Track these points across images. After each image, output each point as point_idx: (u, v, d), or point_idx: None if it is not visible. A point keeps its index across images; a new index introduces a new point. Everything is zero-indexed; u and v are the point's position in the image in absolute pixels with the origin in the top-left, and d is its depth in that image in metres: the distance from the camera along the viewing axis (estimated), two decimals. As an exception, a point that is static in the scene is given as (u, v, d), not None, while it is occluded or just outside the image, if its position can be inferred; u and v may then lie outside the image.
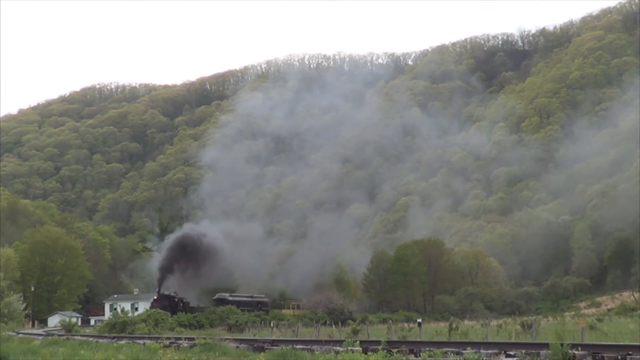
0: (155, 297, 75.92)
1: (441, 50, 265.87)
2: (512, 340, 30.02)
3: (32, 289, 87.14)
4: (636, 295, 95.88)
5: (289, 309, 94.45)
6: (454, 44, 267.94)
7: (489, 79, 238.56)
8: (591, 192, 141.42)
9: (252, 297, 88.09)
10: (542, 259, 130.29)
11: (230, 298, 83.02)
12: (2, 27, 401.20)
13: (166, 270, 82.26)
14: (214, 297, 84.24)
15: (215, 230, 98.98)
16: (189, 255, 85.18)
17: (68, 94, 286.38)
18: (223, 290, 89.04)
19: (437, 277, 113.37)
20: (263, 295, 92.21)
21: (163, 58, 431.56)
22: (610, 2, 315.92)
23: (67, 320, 62.66)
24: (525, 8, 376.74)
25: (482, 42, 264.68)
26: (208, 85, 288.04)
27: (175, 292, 78.48)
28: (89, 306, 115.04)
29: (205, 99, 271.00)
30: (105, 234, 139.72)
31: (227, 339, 28.49)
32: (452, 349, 18.84)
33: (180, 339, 31.30)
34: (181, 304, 74.65)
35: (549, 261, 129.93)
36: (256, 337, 37.47)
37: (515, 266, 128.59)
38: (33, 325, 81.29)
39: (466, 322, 65.23)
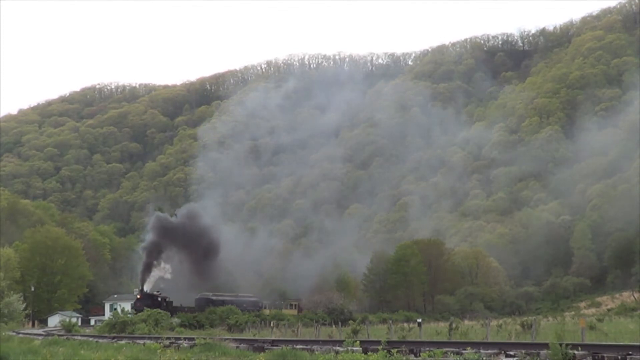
0: (138, 297, 74.67)
1: (441, 50, 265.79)
2: (512, 340, 30.02)
3: (32, 289, 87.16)
4: (636, 295, 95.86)
5: (289, 309, 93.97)
6: (454, 44, 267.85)
7: (489, 79, 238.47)
8: (591, 192, 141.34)
9: (237, 296, 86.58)
10: (542, 259, 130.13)
11: (214, 298, 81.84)
12: (2, 27, 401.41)
13: (152, 257, 79.82)
14: (197, 297, 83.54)
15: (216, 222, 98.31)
16: (183, 233, 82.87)
17: (68, 94, 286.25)
18: (223, 290, 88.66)
19: (437, 277, 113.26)
20: (251, 295, 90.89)
21: (163, 58, 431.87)
22: (610, 2, 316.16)
23: (67, 320, 62.67)
24: (525, 8, 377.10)
25: (482, 42, 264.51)
26: (208, 85, 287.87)
27: (158, 291, 77.59)
28: (89, 306, 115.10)
29: (205, 99, 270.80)
30: (105, 234, 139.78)
31: (227, 339, 28.50)
32: (452, 349, 18.84)
33: (180, 339, 31.34)
34: (164, 304, 73.51)
35: (549, 261, 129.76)
36: (256, 337, 37.46)
37: (515, 266, 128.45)
38: (33, 325, 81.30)
39: (466, 322, 65.20)
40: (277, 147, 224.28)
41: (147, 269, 79.36)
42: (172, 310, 72.37)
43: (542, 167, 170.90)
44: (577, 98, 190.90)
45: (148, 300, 71.56)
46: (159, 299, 74.25)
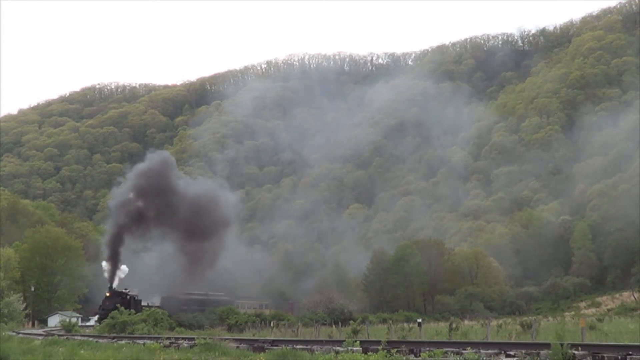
0: (107, 295, 72.12)
1: (441, 50, 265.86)
2: (512, 340, 30.02)
3: (32, 289, 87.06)
4: (636, 295, 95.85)
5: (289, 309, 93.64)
6: (454, 44, 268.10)
7: (489, 79, 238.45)
8: (591, 192, 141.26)
9: (207, 295, 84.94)
10: (542, 259, 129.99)
11: (181, 296, 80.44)
12: (2, 27, 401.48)
13: (119, 240, 76.29)
14: (163, 295, 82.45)
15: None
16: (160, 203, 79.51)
17: (68, 94, 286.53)
18: (221, 290, 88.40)
19: (437, 277, 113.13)
20: (222, 293, 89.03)
21: (163, 58, 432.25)
22: (610, 2, 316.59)
23: (67, 320, 62.55)
24: (525, 8, 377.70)
25: (482, 42, 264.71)
26: (208, 85, 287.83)
27: (126, 288, 75.96)
28: (89, 306, 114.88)
29: (205, 99, 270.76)
30: (106, 234, 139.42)
31: (227, 339, 28.49)
32: (452, 349, 18.83)
33: (180, 339, 31.34)
34: (132, 302, 71.45)
35: (549, 261, 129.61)
36: (256, 337, 37.45)
37: (515, 266, 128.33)
38: (33, 325, 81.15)
39: (466, 322, 65.19)
40: (276, 147, 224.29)
41: (116, 261, 76.06)
42: (140, 309, 68.66)
43: (542, 167, 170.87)
44: (577, 98, 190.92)
45: (117, 298, 68.36)
46: (127, 297, 71.94)
